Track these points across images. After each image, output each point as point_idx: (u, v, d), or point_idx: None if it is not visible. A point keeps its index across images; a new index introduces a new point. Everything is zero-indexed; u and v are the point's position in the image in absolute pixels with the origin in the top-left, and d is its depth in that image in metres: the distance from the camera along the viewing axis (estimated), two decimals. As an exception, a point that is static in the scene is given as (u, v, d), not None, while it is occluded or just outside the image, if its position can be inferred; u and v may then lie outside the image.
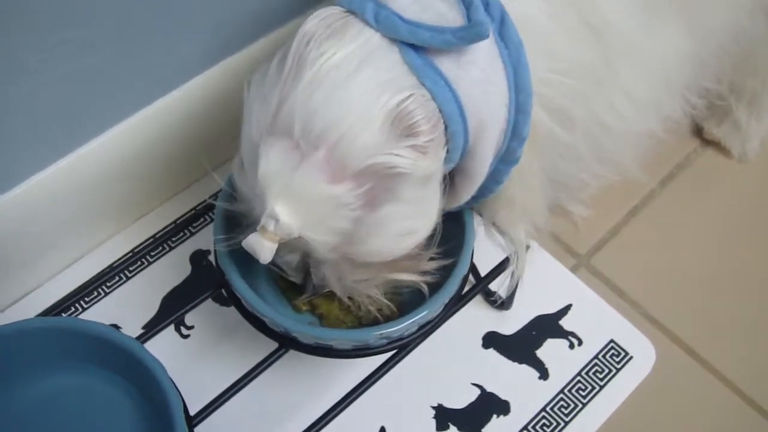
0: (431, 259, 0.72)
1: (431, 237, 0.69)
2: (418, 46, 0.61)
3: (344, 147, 0.59)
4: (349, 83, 0.60)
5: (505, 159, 0.67)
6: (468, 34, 0.60)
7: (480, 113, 0.63)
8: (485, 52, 0.62)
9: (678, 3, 0.76)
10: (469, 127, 0.63)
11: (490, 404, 0.84)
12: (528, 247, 0.80)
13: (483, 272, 0.82)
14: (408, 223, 0.64)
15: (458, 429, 0.82)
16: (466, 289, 0.78)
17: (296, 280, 0.75)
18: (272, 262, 0.66)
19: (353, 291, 0.72)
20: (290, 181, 0.60)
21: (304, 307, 0.79)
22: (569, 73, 0.68)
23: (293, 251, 0.68)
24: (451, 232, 0.73)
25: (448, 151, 0.64)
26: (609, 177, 0.82)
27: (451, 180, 0.68)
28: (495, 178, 0.69)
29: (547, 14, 0.66)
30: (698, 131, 1.06)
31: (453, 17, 0.61)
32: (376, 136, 0.59)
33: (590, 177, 0.80)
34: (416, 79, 0.61)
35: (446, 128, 0.62)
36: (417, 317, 0.71)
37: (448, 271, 0.73)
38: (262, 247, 0.62)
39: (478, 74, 0.62)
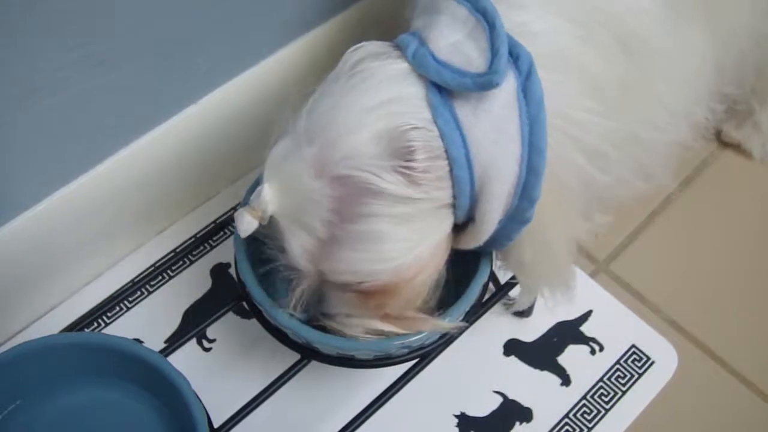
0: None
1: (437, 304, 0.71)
2: (443, 86, 0.62)
3: (332, 148, 0.62)
4: (362, 96, 0.62)
5: (515, 218, 0.66)
6: (481, 81, 0.61)
7: (486, 162, 0.63)
8: (503, 104, 0.62)
9: (702, 11, 0.76)
10: (474, 174, 0.63)
11: (512, 411, 0.84)
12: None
13: (503, 280, 0.82)
14: (386, 247, 0.63)
15: (481, 437, 0.82)
16: (487, 297, 0.78)
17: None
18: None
19: (348, 326, 0.71)
20: (281, 166, 0.64)
21: None
22: (607, 92, 0.69)
23: (308, 277, 0.68)
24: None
25: (455, 197, 0.64)
26: (638, 186, 0.81)
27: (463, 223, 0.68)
28: (505, 234, 0.68)
29: (580, 39, 0.66)
30: (716, 134, 1.05)
31: (478, 63, 0.62)
32: (365, 147, 0.61)
33: (622, 189, 0.80)
34: (431, 116, 0.62)
35: (451, 171, 0.63)
36: (438, 326, 0.71)
37: (468, 279, 0.73)
38: (242, 219, 0.65)
39: (491, 124, 0.62)
